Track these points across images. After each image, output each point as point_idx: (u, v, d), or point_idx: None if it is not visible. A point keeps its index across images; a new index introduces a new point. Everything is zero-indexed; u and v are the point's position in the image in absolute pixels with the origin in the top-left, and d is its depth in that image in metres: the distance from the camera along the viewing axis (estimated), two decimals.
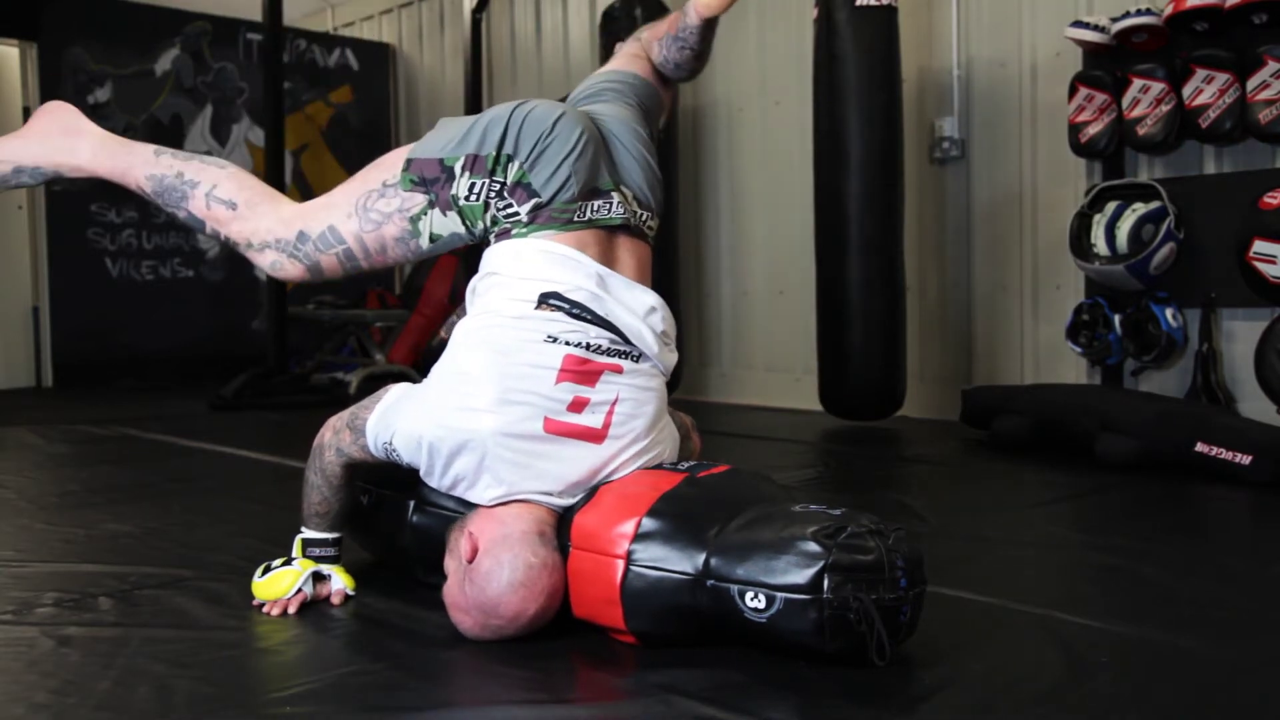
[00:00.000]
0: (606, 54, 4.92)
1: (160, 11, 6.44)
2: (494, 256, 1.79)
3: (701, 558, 1.58)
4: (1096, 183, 3.98)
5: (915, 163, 4.52)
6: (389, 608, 1.86)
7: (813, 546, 1.49)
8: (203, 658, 1.62)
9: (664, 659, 1.58)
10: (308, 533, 1.88)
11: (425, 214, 1.77)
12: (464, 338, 1.75)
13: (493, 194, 1.75)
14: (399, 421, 1.72)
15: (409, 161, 1.78)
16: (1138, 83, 3.74)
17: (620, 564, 1.62)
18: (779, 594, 1.49)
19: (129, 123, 6.28)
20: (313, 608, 1.86)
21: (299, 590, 1.83)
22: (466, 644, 1.66)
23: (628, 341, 1.75)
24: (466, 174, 1.75)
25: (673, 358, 1.86)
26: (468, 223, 1.78)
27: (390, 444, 1.73)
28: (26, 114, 6.16)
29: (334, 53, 7.16)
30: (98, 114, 6.15)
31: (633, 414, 1.75)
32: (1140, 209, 3.76)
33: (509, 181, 1.75)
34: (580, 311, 1.72)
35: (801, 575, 1.48)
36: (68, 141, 1.87)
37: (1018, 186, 4.34)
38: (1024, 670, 1.55)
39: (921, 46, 4.57)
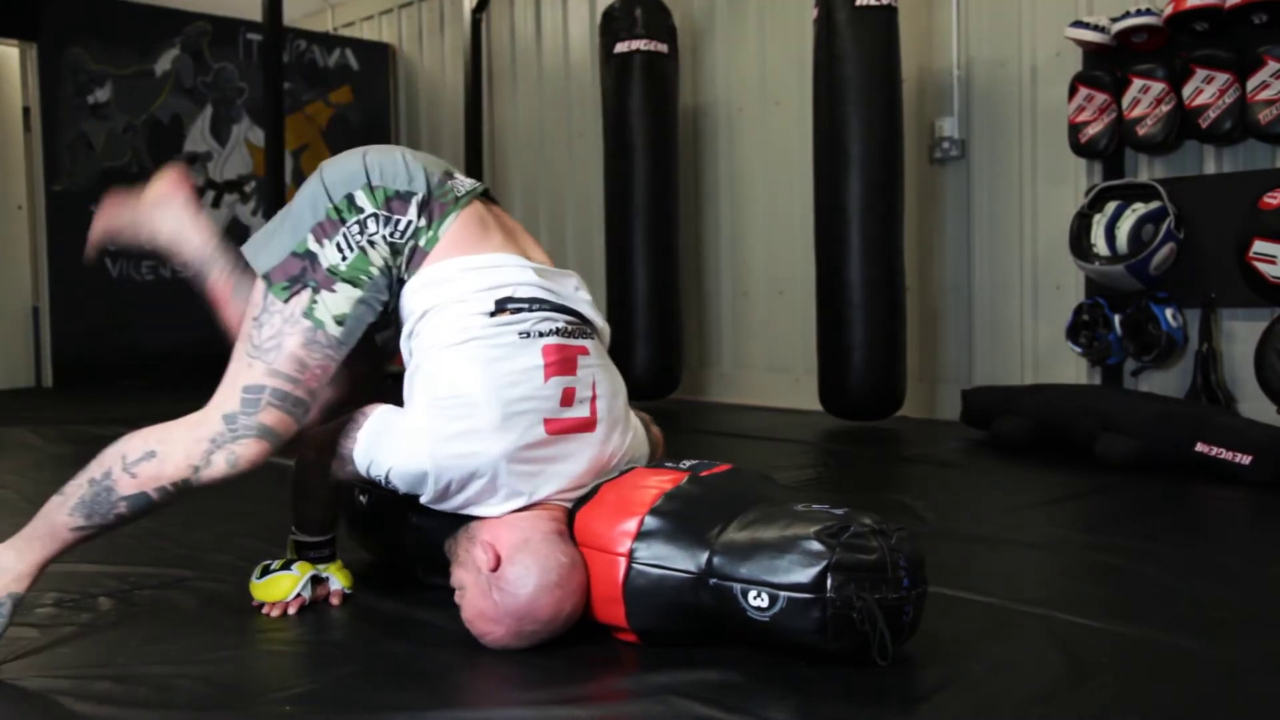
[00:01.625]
0: (607, 54, 4.94)
1: (160, 11, 6.44)
2: (417, 295, 1.70)
3: (704, 556, 1.58)
4: (1096, 183, 3.98)
5: (915, 163, 4.52)
6: (389, 608, 1.86)
7: (816, 546, 1.49)
8: (203, 658, 1.62)
9: (664, 659, 1.58)
10: (301, 536, 1.89)
11: (315, 302, 1.65)
12: (442, 359, 1.66)
13: (372, 229, 1.67)
14: (393, 456, 1.66)
15: (267, 277, 1.67)
16: (1138, 83, 3.74)
17: (623, 562, 1.62)
18: (782, 593, 1.49)
19: (129, 123, 6.28)
20: (312, 607, 1.86)
21: (298, 595, 1.84)
22: (466, 644, 1.65)
23: (584, 320, 1.78)
24: (325, 241, 1.67)
25: (608, 328, 1.90)
26: (364, 280, 1.67)
27: (386, 479, 1.68)
28: (26, 114, 6.17)
29: (334, 53, 7.16)
30: (98, 114, 6.16)
31: (611, 394, 1.76)
32: (1140, 209, 3.76)
33: (379, 205, 1.68)
34: (538, 305, 1.71)
35: (804, 574, 1.48)
36: None
37: (1018, 186, 4.34)
38: (1024, 670, 1.55)
39: (921, 46, 4.57)
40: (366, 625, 1.77)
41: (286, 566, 1.87)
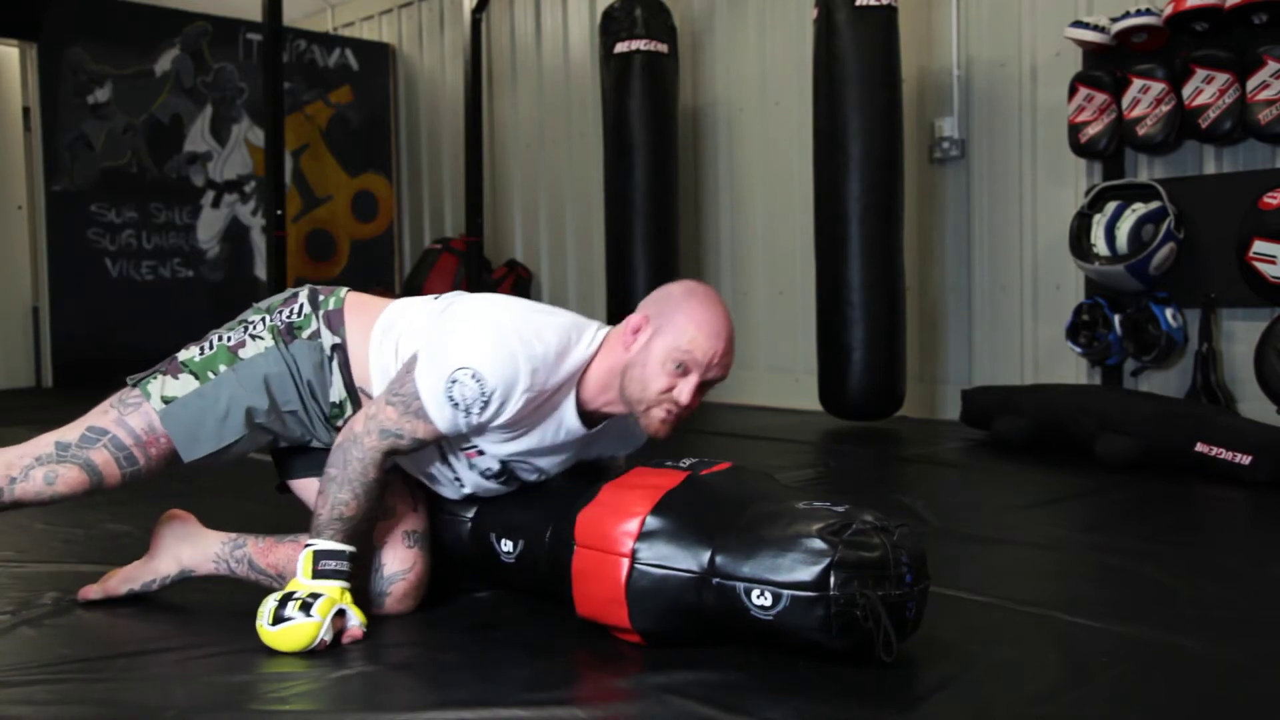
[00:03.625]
0: (606, 54, 4.94)
1: (160, 11, 6.44)
2: (362, 353, 1.81)
3: (706, 555, 1.58)
4: (1096, 183, 3.98)
5: (915, 163, 4.52)
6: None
7: (818, 543, 1.49)
8: (202, 658, 1.61)
9: (664, 659, 1.58)
10: (321, 543, 1.66)
11: (154, 378, 1.78)
12: (467, 315, 1.73)
13: (258, 327, 1.81)
14: (473, 357, 1.62)
15: (129, 379, 1.81)
16: (1138, 83, 3.74)
17: (625, 562, 1.62)
18: (785, 591, 1.49)
19: (129, 123, 6.28)
20: None
21: (320, 640, 1.61)
22: (466, 644, 1.66)
23: None
24: (191, 345, 1.81)
25: None
26: (209, 375, 1.76)
27: (477, 378, 1.61)
28: (26, 114, 6.16)
29: (334, 53, 7.16)
30: (98, 114, 6.16)
31: None
32: (1140, 209, 3.76)
33: (268, 311, 1.84)
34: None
35: (808, 572, 1.48)
36: None
37: (1018, 186, 4.34)
38: (1024, 670, 1.55)
39: (921, 46, 4.57)
40: (366, 625, 1.77)
41: (305, 609, 1.60)
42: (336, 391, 1.80)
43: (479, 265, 6.17)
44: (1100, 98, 3.84)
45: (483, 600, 1.70)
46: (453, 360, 1.63)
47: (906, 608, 1.51)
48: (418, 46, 7.31)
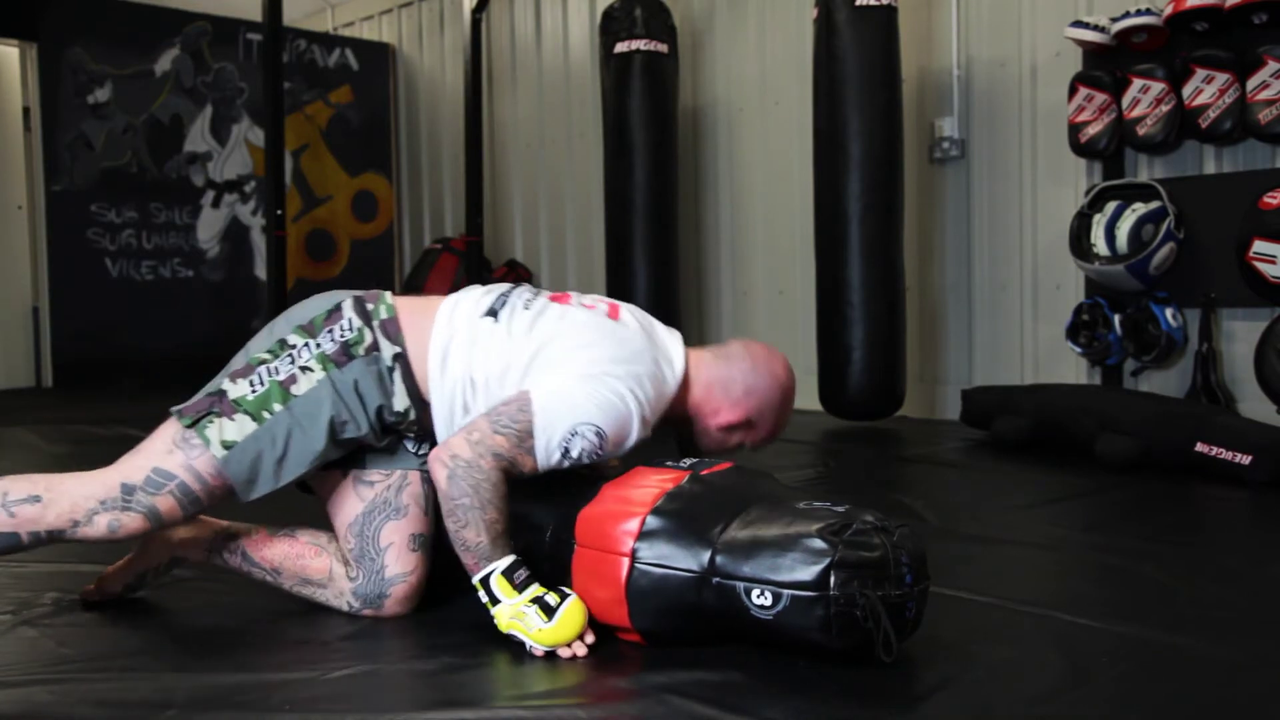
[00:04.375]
0: (607, 54, 4.94)
1: (160, 11, 6.44)
2: (422, 369, 1.79)
3: (707, 555, 1.58)
4: (1096, 183, 3.98)
5: (915, 163, 4.52)
6: None
7: (819, 543, 1.49)
8: (202, 658, 1.62)
9: (664, 659, 1.58)
10: (500, 564, 1.63)
11: (210, 422, 1.71)
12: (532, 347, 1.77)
13: (306, 357, 1.75)
14: (593, 413, 1.69)
15: (178, 413, 1.74)
16: (1138, 83, 3.74)
17: (625, 562, 1.62)
18: (785, 591, 1.49)
19: (129, 123, 6.28)
20: (308, 608, 1.85)
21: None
22: (466, 644, 1.66)
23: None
24: (239, 380, 1.74)
25: None
26: (265, 416, 1.71)
27: (600, 434, 1.70)
28: (26, 114, 6.16)
29: (334, 53, 7.16)
30: (98, 114, 6.16)
31: None
32: (1140, 209, 3.76)
33: (314, 332, 1.77)
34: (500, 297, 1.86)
35: (808, 572, 1.48)
36: None
37: (1018, 186, 4.34)
38: (1024, 670, 1.55)
39: (921, 46, 4.57)
40: (366, 625, 1.77)
41: (563, 598, 1.61)
42: (400, 401, 1.78)
43: (479, 265, 6.17)
44: (1100, 98, 3.84)
45: (483, 600, 1.70)
46: (577, 415, 1.69)
47: (906, 608, 1.51)
48: (418, 46, 7.31)
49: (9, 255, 6.17)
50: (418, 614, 1.82)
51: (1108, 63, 3.87)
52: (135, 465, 1.70)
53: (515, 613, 1.61)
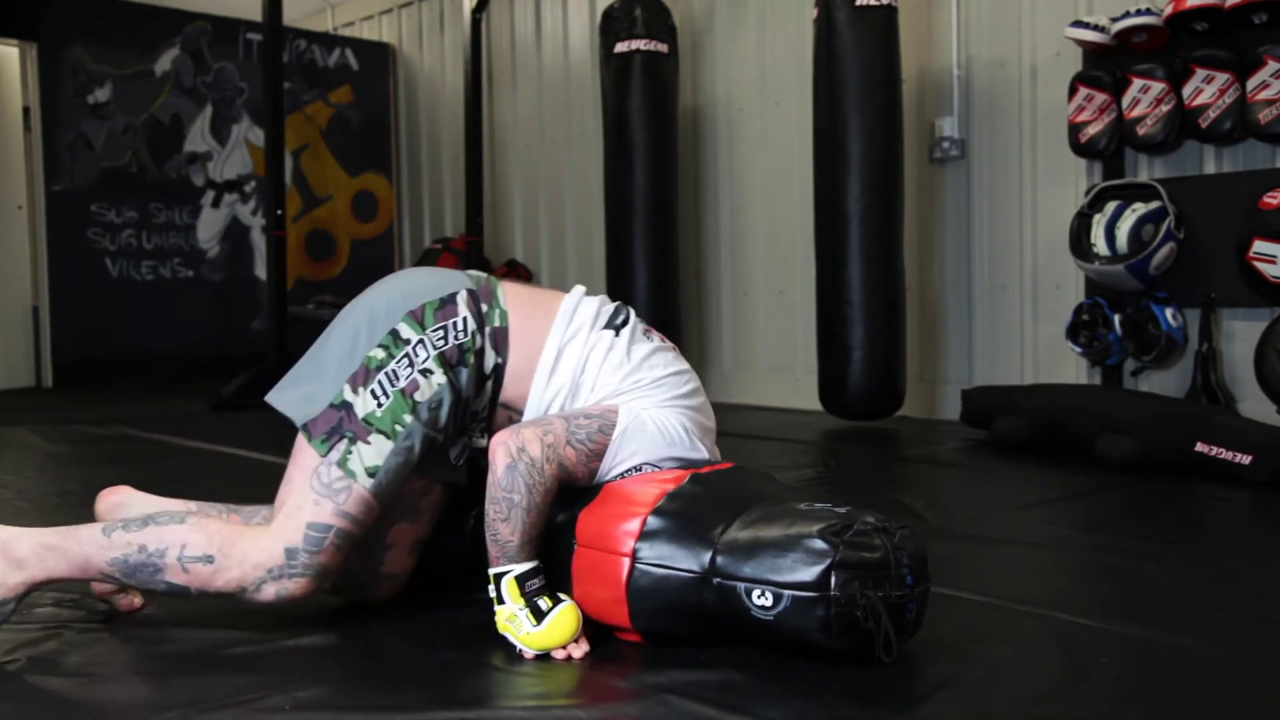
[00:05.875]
0: (607, 54, 4.94)
1: (160, 11, 6.44)
2: (525, 380, 1.78)
3: (707, 555, 1.58)
4: (1096, 183, 3.98)
5: (915, 163, 4.52)
6: (389, 608, 1.86)
7: (819, 544, 1.49)
8: (203, 658, 1.62)
9: (664, 659, 1.58)
10: (519, 567, 1.62)
11: (350, 453, 1.68)
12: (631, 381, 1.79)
13: (422, 357, 1.71)
14: (649, 450, 1.75)
15: (305, 428, 1.70)
16: (1138, 83, 3.74)
17: (626, 562, 1.62)
18: (786, 591, 1.49)
19: (129, 123, 6.28)
20: (310, 608, 1.85)
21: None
22: (466, 644, 1.66)
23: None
24: (360, 389, 1.70)
25: None
26: (398, 430, 1.69)
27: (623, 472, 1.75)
28: (26, 114, 6.16)
29: (334, 53, 7.16)
30: (98, 114, 6.16)
31: None
32: (1140, 209, 3.76)
33: (428, 326, 1.73)
34: (619, 311, 1.87)
35: (809, 573, 1.48)
36: (2, 567, 1.64)
37: (1018, 186, 4.34)
38: (1024, 670, 1.55)
39: (921, 46, 4.57)
40: (366, 625, 1.77)
41: (556, 601, 1.61)
42: (481, 403, 1.79)
43: (479, 265, 6.17)
44: (1100, 97, 3.84)
45: (483, 600, 1.70)
46: (645, 455, 1.73)
47: (907, 609, 1.51)
48: (418, 46, 7.31)
49: (9, 255, 6.17)
50: (418, 613, 1.82)
51: (1108, 63, 3.87)
52: (292, 525, 1.66)
53: (510, 615, 1.62)
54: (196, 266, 6.55)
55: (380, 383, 1.70)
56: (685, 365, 1.88)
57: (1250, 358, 3.52)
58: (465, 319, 1.75)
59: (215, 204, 6.62)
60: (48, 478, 3.30)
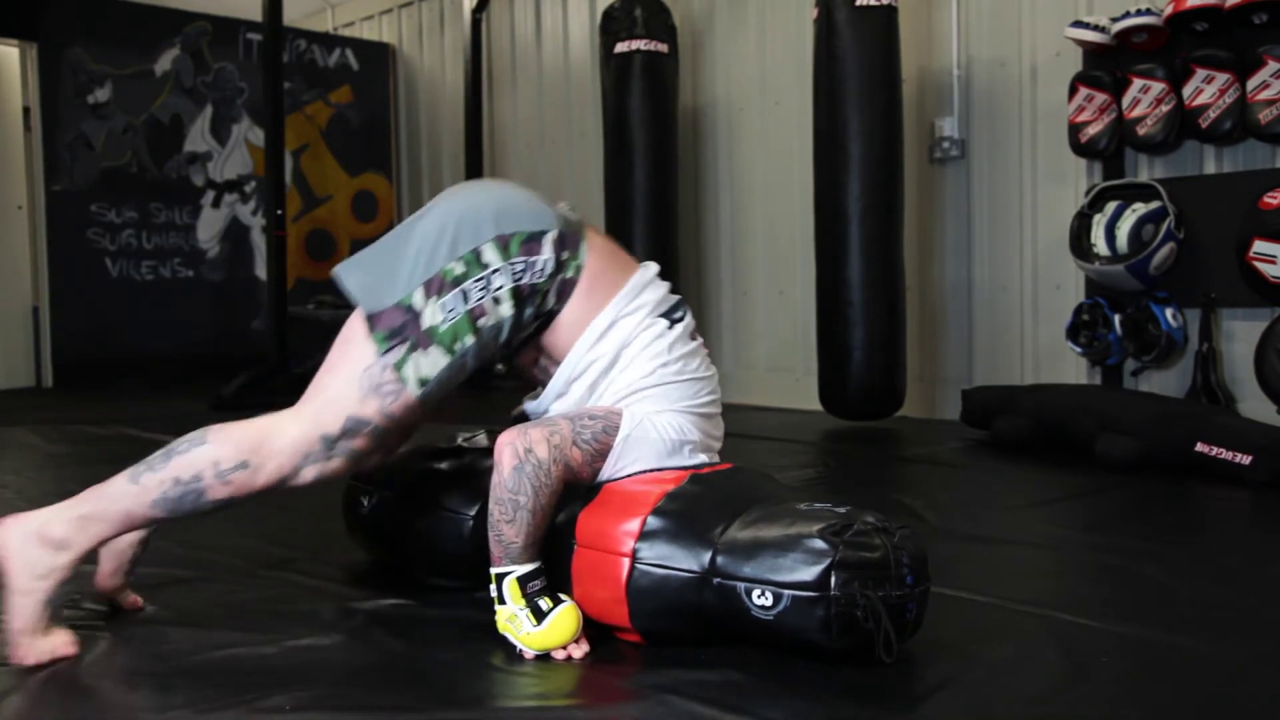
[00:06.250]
0: (607, 54, 4.94)
1: (160, 11, 6.44)
2: (598, 344, 1.78)
3: (707, 555, 1.58)
4: (1096, 183, 3.98)
5: (915, 163, 4.52)
6: (389, 608, 1.86)
7: (820, 544, 1.49)
8: (203, 658, 1.62)
9: (664, 659, 1.58)
10: (522, 569, 1.63)
11: (407, 360, 1.67)
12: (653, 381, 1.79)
13: (497, 284, 1.69)
14: (650, 458, 1.76)
15: (371, 319, 1.68)
16: (1138, 83, 3.74)
17: (626, 562, 1.62)
18: (786, 591, 1.49)
19: (129, 123, 6.28)
20: (309, 608, 1.85)
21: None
22: (466, 644, 1.66)
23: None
24: (433, 298, 1.68)
25: None
26: (457, 348, 1.68)
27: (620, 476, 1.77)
28: (27, 114, 6.16)
29: (334, 53, 7.16)
30: (98, 114, 6.16)
31: None
32: (1140, 209, 3.76)
33: (512, 255, 1.70)
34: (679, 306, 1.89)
35: (809, 572, 1.48)
36: (45, 552, 1.61)
37: (1018, 186, 4.34)
38: (1024, 670, 1.55)
39: (921, 46, 4.57)
40: (366, 625, 1.77)
41: (557, 603, 1.61)
42: (519, 338, 1.79)
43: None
44: (1100, 97, 3.84)
45: (483, 600, 1.70)
46: (649, 461, 1.75)
47: (907, 609, 1.51)
48: (418, 46, 7.31)
49: (9, 255, 6.17)
50: (418, 613, 1.82)
51: (1108, 63, 3.87)
52: (332, 414, 1.66)
53: (510, 615, 1.62)
54: (196, 266, 6.55)
55: (453, 298, 1.69)
56: (713, 374, 1.90)
57: (1250, 358, 3.52)
58: (547, 261, 1.74)
59: (215, 204, 6.62)
60: (48, 478, 3.30)
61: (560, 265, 1.75)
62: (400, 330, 1.67)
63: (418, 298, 1.68)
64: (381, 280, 1.70)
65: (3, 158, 6.20)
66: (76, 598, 1.89)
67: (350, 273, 1.73)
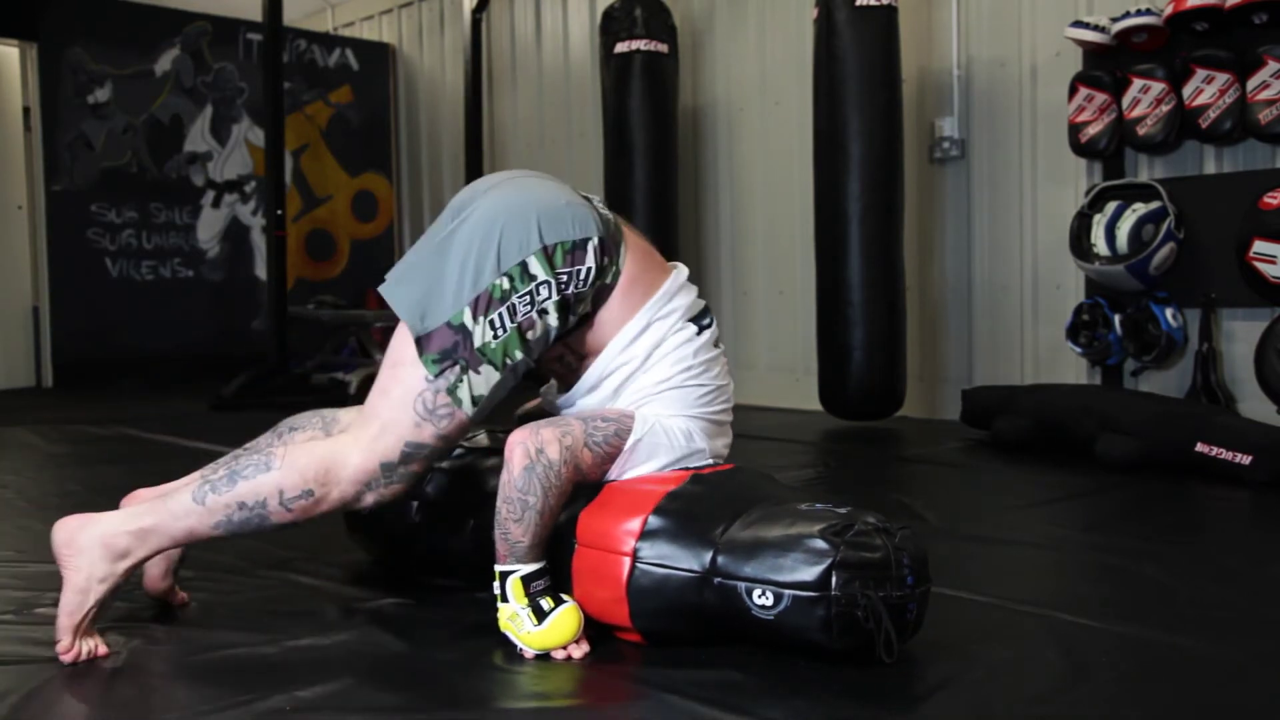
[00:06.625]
0: (607, 54, 4.94)
1: (160, 11, 6.44)
2: (627, 349, 1.78)
3: (708, 555, 1.58)
4: (1096, 183, 3.98)
5: (915, 163, 4.52)
6: (389, 608, 1.86)
7: (820, 544, 1.49)
8: (202, 657, 1.62)
9: (664, 659, 1.58)
10: (526, 568, 1.63)
11: (461, 381, 1.67)
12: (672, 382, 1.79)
13: (544, 296, 1.68)
14: (663, 458, 1.77)
15: (420, 341, 1.67)
16: (1138, 83, 3.74)
17: (626, 561, 1.62)
18: (787, 591, 1.49)
19: (129, 123, 6.28)
20: (309, 608, 1.85)
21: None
22: (466, 644, 1.66)
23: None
24: (480, 317, 1.67)
25: None
26: (507, 364, 1.69)
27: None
28: (27, 114, 6.17)
29: (334, 53, 7.16)
30: (98, 114, 6.16)
31: None
32: (1140, 209, 3.76)
33: (558, 267, 1.69)
34: (707, 313, 1.89)
35: (809, 572, 1.48)
36: (107, 558, 1.61)
37: (1018, 186, 4.34)
38: (1024, 670, 1.55)
39: (921, 46, 4.57)
40: (367, 625, 1.77)
41: (559, 602, 1.62)
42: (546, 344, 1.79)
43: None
44: (1100, 98, 3.84)
45: (483, 600, 1.70)
46: (659, 461, 1.76)
47: (907, 609, 1.51)
48: (418, 46, 7.31)
49: (9, 255, 6.17)
50: (417, 613, 1.82)
51: (1108, 63, 3.87)
52: (390, 441, 1.67)
53: (512, 614, 1.62)
54: (196, 266, 6.55)
55: (501, 315, 1.68)
56: (729, 384, 1.90)
57: (1250, 358, 3.52)
58: (590, 270, 1.72)
59: (215, 204, 6.62)
60: (48, 478, 3.30)
61: (602, 272, 1.74)
62: (451, 352, 1.67)
63: (466, 317, 1.67)
64: (429, 298, 1.69)
65: (3, 158, 6.20)
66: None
67: (397, 290, 1.72)
